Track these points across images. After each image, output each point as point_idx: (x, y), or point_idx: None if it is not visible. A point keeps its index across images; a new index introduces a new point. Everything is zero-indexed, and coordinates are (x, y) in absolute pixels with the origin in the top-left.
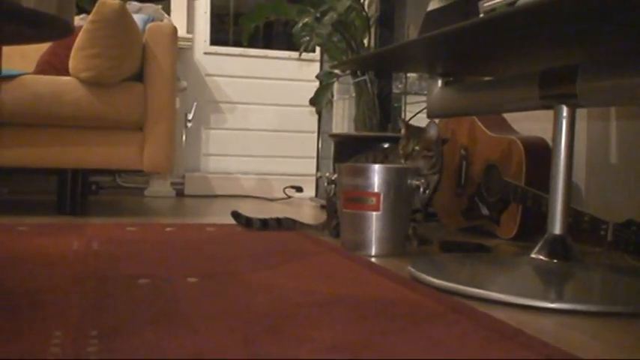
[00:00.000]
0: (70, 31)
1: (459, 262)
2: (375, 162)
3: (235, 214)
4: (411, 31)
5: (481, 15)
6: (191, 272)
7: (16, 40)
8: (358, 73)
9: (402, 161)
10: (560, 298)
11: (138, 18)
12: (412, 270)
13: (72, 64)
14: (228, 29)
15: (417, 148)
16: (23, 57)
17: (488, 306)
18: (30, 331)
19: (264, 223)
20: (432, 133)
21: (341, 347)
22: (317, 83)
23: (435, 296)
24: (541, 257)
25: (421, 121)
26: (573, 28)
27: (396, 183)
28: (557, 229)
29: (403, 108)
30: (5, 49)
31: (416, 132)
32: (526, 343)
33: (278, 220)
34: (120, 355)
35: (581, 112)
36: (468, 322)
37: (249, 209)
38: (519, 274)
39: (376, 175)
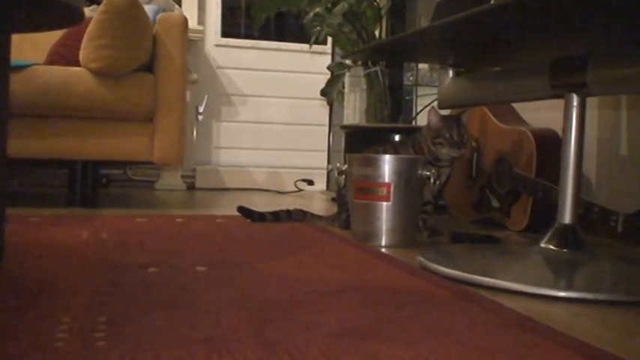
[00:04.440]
0: (79, 18)
1: (468, 252)
2: None
3: (245, 211)
4: (422, 22)
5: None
6: (200, 261)
7: (25, 27)
8: (369, 64)
9: (456, 150)
10: (569, 287)
11: (148, 9)
12: (422, 259)
13: (82, 54)
14: (239, 22)
15: (465, 136)
16: (34, 48)
17: (498, 294)
18: (38, 318)
19: (276, 216)
20: (465, 120)
21: (350, 333)
22: (328, 75)
23: (444, 284)
24: (551, 247)
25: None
26: (584, 15)
27: (406, 173)
28: (566, 218)
29: (414, 100)
30: (15, 39)
31: (451, 120)
32: (535, 329)
33: (288, 212)
34: (128, 339)
35: (592, 101)
36: (476, 309)
37: (260, 202)
38: (529, 263)
39: (387, 165)
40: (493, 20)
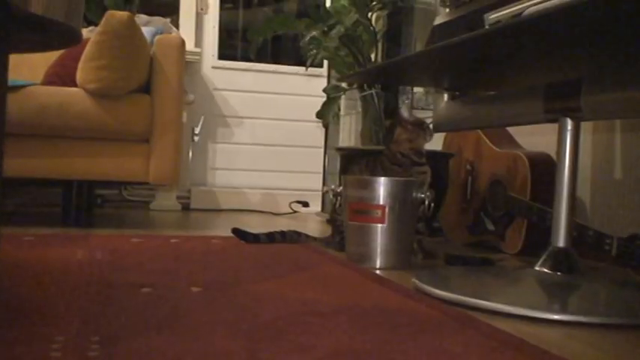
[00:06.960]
0: (78, 39)
1: (463, 275)
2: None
3: (240, 233)
4: (417, 46)
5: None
6: (195, 282)
7: (23, 47)
8: (365, 87)
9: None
10: (563, 310)
11: (146, 31)
12: (416, 282)
13: (80, 75)
14: (236, 44)
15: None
16: (31, 68)
17: (493, 317)
18: (32, 336)
19: (270, 237)
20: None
21: (344, 355)
22: (324, 98)
23: (438, 307)
24: (545, 270)
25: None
26: (577, 40)
27: (401, 196)
28: (561, 241)
29: None
30: (13, 60)
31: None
32: (529, 351)
33: (283, 233)
34: (122, 359)
35: (586, 125)
36: (471, 331)
37: (255, 223)
38: (523, 286)
39: (382, 187)
40: (487, 45)
